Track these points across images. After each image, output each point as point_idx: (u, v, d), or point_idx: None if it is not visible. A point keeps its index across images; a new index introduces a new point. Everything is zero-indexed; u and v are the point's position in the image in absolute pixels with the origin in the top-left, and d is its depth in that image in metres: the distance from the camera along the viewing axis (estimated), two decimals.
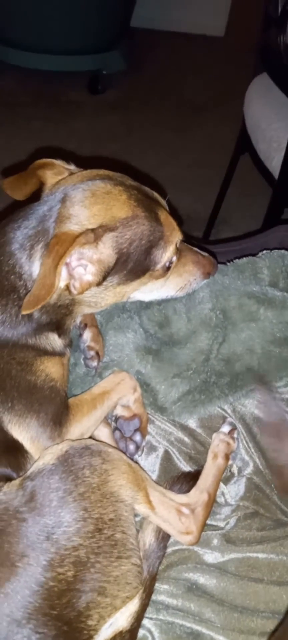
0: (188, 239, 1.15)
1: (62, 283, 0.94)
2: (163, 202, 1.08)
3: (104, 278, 0.98)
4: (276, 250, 1.27)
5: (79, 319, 1.15)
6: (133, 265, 1.00)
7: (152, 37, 4.51)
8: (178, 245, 1.08)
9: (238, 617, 0.95)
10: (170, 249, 1.04)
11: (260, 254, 1.29)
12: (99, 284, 0.98)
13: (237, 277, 1.21)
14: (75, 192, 0.97)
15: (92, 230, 0.93)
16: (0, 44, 3.65)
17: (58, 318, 1.03)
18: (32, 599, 0.81)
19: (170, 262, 1.06)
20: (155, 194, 1.07)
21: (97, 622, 0.86)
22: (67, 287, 0.96)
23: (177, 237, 1.06)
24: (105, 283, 0.99)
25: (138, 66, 4.14)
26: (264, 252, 1.28)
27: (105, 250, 0.96)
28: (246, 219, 2.86)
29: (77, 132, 3.50)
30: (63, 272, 0.93)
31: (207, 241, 1.63)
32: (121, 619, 0.90)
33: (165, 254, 1.03)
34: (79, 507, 0.88)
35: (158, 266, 1.04)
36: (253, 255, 1.32)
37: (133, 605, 0.92)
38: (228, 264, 1.25)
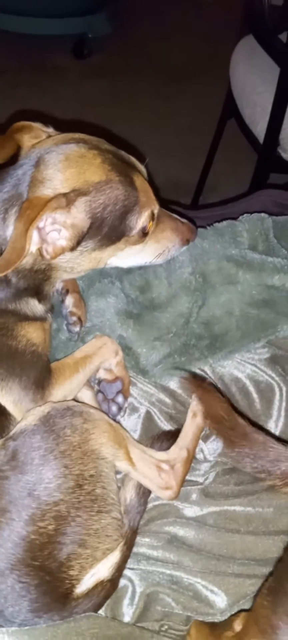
0: (165, 205, 1.16)
1: (33, 247, 0.95)
2: (140, 167, 1.09)
3: (78, 243, 0.99)
4: (256, 214, 1.29)
5: (59, 285, 1.16)
6: (107, 230, 1.00)
7: (137, 0, 4.41)
8: (155, 212, 1.08)
9: (215, 564, 1.00)
10: (146, 215, 1.05)
11: (240, 217, 1.30)
12: (72, 248, 0.99)
13: (217, 241, 1.23)
14: (49, 156, 0.98)
15: (64, 194, 0.94)
16: None
17: (36, 283, 1.04)
18: (14, 551, 0.85)
19: (146, 229, 1.07)
20: (132, 159, 1.07)
21: (79, 573, 0.90)
22: (40, 252, 0.97)
23: (152, 203, 1.07)
24: (79, 248, 1.00)
25: (124, 29, 4.06)
26: (244, 215, 1.29)
27: (79, 214, 0.96)
28: (234, 185, 2.85)
29: (62, 97, 3.45)
30: (34, 236, 0.94)
31: (190, 207, 1.64)
32: (103, 570, 0.95)
33: (140, 220, 1.04)
34: (59, 464, 0.91)
35: (134, 232, 1.05)
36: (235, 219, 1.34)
37: (114, 557, 0.96)
38: (208, 227, 1.27)
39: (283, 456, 0.93)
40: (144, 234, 1.08)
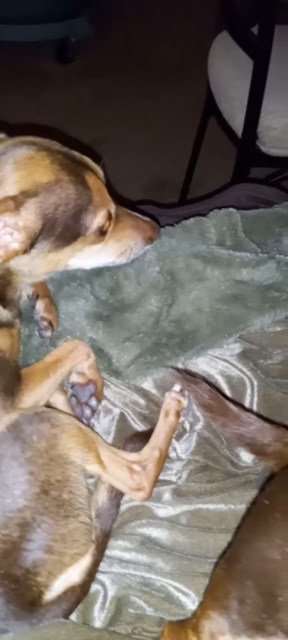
0: (127, 204, 1.15)
1: None
2: (95, 166, 1.09)
3: (32, 245, 0.99)
4: (224, 209, 1.29)
5: (25, 290, 1.16)
6: (61, 230, 1.00)
7: (119, 1, 4.41)
8: (111, 210, 1.08)
9: (187, 564, 0.99)
10: (101, 214, 1.04)
11: (209, 213, 1.30)
12: (26, 251, 0.98)
13: (184, 238, 1.23)
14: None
15: (12, 197, 0.94)
16: None
17: None
18: None
19: (104, 228, 1.07)
20: (85, 158, 1.07)
21: (47, 579, 0.90)
22: None
23: (107, 202, 1.07)
24: (34, 251, 1.00)
25: (106, 32, 4.05)
26: (213, 211, 1.29)
27: (29, 216, 0.96)
28: (220, 181, 2.85)
29: (47, 103, 3.45)
30: None
31: (169, 206, 1.62)
32: (73, 575, 0.94)
33: (95, 219, 1.04)
34: (24, 471, 0.91)
35: (90, 231, 1.04)
36: None
37: (85, 561, 0.96)
38: (175, 225, 1.26)
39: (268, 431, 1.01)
40: (102, 233, 1.07)
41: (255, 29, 1.93)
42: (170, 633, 0.93)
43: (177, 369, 1.14)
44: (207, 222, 1.26)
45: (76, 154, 1.06)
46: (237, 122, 2.11)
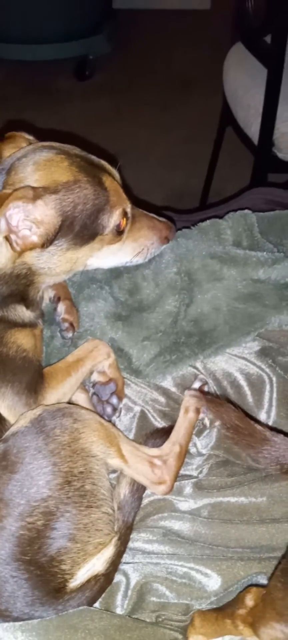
0: (143, 206, 1.18)
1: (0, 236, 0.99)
2: (111, 169, 1.13)
3: (50, 241, 1.02)
4: (239, 211, 1.31)
5: (46, 291, 1.19)
6: (80, 229, 1.04)
7: (136, 17, 4.50)
8: (127, 210, 1.12)
9: (209, 553, 1.01)
10: (117, 213, 1.09)
11: (225, 216, 1.32)
12: (44, 245, 1.02)
13: (201, 240, 1.25)
14: (19, 162, 1.03)
15: (33, 187, 0.99)
16: None
17: (20, 289, 1.08)
18: (4, 547, 0.88)
19: (120, 227, 1.11)
20: (102, 162, 1.12)
21: (71, 567, 0.92)
22: (10, 244, 1.00)
23: (124, 202, 1.11)
24: (53, 248, 1.04)
25: (124, 47, 4.15)
26: (229, 214, 1.32)
27: (48, 211, 1.00)
28: (238, 189, 2.88)
29: (67, 119, 3.54)
30: (2, 224, 0.97)
31: (176, 212, 1.65)
32: (97, 564, 0.97)
33: (112, 218, 1.08)
34: (48, 462, 0.94)
35: (107, 230, 1.08)
36: None
37: (108, 552, 0.98)
38: (192, 227, 1.29)
39: None
40: (119, 232, 1.11)
41: (268, 38, 1.96)
42: (203, 623, 0.94)
43: (203, 392, 1.16)
44: (223, 223, 1.28)
45: (94, 157, 1.11)
46: (253, 130, 2.13)
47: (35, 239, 1.01)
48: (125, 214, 1.11)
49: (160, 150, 3.36)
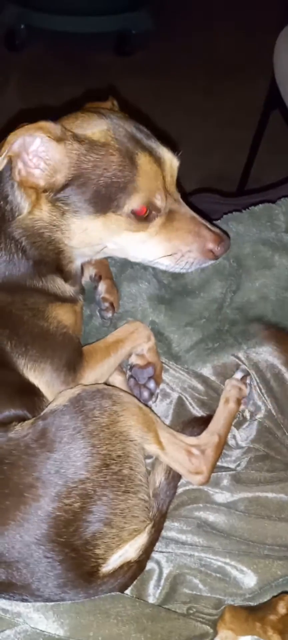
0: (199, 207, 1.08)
1: (10, 154, 0.92)
2: (162, 153, 1.01)
3: (54, 190, 0.95)
4: None
5: (85, 268, 1.14)
6: (92, 194, 0.96)
7: None
8: (157, 201, 1.00)
9: (245, 548, 0.98)
10: (137, 197, 0.96)
11: (278, 201, 1.27)
12: (46, 191, 0.96)
13: (252, 225, 1.20)
14: (73, 114, 1.00)
15: (65, 128, 0.94)
16: (27, 8, 3.67)
17: (51, 256, 1.03)
18: (39, 526, 0.87)
19: (139, 214, 0.98)
20: (154, 143, 1.01)
21: (105, 552, 0.90)
22: (11, 168, 0.95)
23: (154, 189, 0.98)
24: (62, 205, 0.97)
25: (167, 26, 4.05)
26: (282, 199, 1.26)
27: (64, 159, 0.94)
28: (279, 176, 2.80)
29: (105, 96, 3.49)
30: (16, 144, 0.91)
31: (221, 194, 1.59)
32: (130, 551, 0.95)
33: (130, 200, 0.96)
34: (87, 443, 0.92)
35: (121, 211, 0.97)
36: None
37: (142, 539, 0.96)
38: (243, 211, 1.24)
39: None
40: (140, 220, 0.99)
41: None
42: (233, 619, 0.92)
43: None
44: (276, 209, 1.23)
45: (144, 135, 1.01)
46: None
47: (37, 172, 0.94)
48: (150, 202, 0.98)
49: (199, 134, 3.29)
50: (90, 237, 1.01)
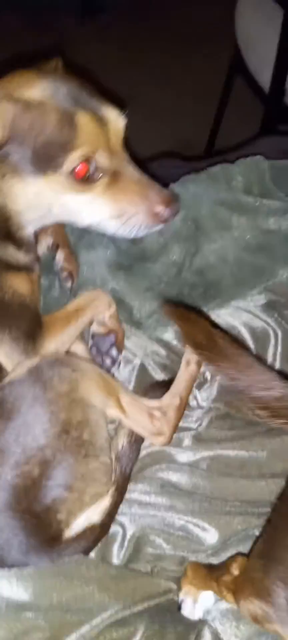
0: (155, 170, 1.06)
1: None
2: (104, 112, 0.98)
3: None
4: (251, 157, 1.25)
5: (31, 229, 1.07)
6: (31, 154, 0.93)
7: None
8: (98, 158, 0.96)
9: (207, 506, 1.00)
10: (74, 155, 0.93)
11: (236, 161, 1.26)
12: None
13: (210, 186, 1.20)
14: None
15: None
16: None
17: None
18: (0, 495, 0.86)
19: (79, 174, 0.95)
20: (95, 102, 0.98)
21: (67, 517, 0.91)
22: None
23: (93, 147, 0.95)
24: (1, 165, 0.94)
25: None
26: (239, 159, 1.26)
27: None
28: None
29: (73, 62, 3.42)
30: None
31: (186, 159, 1.57)
32: (93, 515, 0.95)
33: (68, 158, 0.93)
34: (46, 410, 0.92)
35: (61, 170, 0.94)
36: None
37: (104, 502, 0.97)
38: (200, 172, 1.23)
39: (274, 382, 0.82)
40: (81, 180, 0.96)
41: None
42: (194, 574, 0.94)
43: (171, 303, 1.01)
44: (234, 169, 1.22)
45: (87, 95, 0.97)
46: (265, 78, 2.05)
47: None
48: (90, 160, 0.95)
49: (168, 100, 3.26)
50: (33, 199, 0.99)
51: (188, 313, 0.91)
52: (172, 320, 0.98)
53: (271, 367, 1.05)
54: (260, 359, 0.97)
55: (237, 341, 0.99)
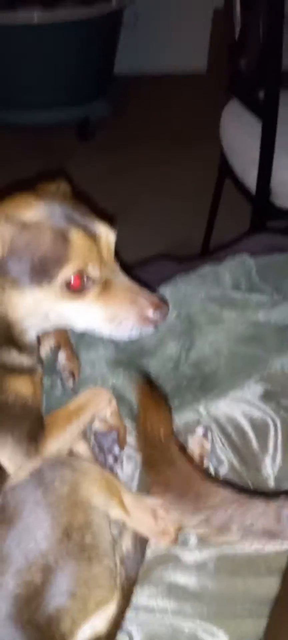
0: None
1: None
2: (101, 229, 1.05)
3: None
4: (238, 255, 1.32)
5: (34, 334, 1.13)
6: (28, 269, 1.00)
7: (136, 81, 4.71)
8: (89, 271, 1.02)
9: (216, 609, 0.96)
10: (68, 267, 0.99)
11: (223, 262, 1.33)
12: None
13: (200, 284, 1.26)
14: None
15: None
16: None
17: (1, 329, 1.05)
18: (1, 606, 0.84)
19: (73, 286, 1.01)
20: (88, 219, 1.05)
21: (71, 626, 0.88)
22: None
23: (86, 260, 1.01)
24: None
25: (124, 110, 4.32)
26: (227, 259, 1.32)
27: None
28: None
29: (71, 177, 3.64)
30: None
31: (179, 259, 1.65)
32: (98, 623, 0.92)
33: (62, 271, 0.99)
34: (47, 515, 0.91)
35: (55, 282, 1.00)
36: None
37: (110, 609, 0.93)
38: (191, 272, 1.30)
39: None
40: (75, 291, 1.02)
41: (261, 94, 2.03)
42: None
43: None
44: (222, 268, 1.29)
45: (80, 214, 1.05)
46: (251, 180, 2.18)
47: None
48: (82, 273, 1.01)
49: (161, 206, 3.44)
50: (31, 308, 1.04)
51: (155, 403, 0.94)
52: (138, 400, 1.01)
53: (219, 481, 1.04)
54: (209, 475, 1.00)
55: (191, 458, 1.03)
